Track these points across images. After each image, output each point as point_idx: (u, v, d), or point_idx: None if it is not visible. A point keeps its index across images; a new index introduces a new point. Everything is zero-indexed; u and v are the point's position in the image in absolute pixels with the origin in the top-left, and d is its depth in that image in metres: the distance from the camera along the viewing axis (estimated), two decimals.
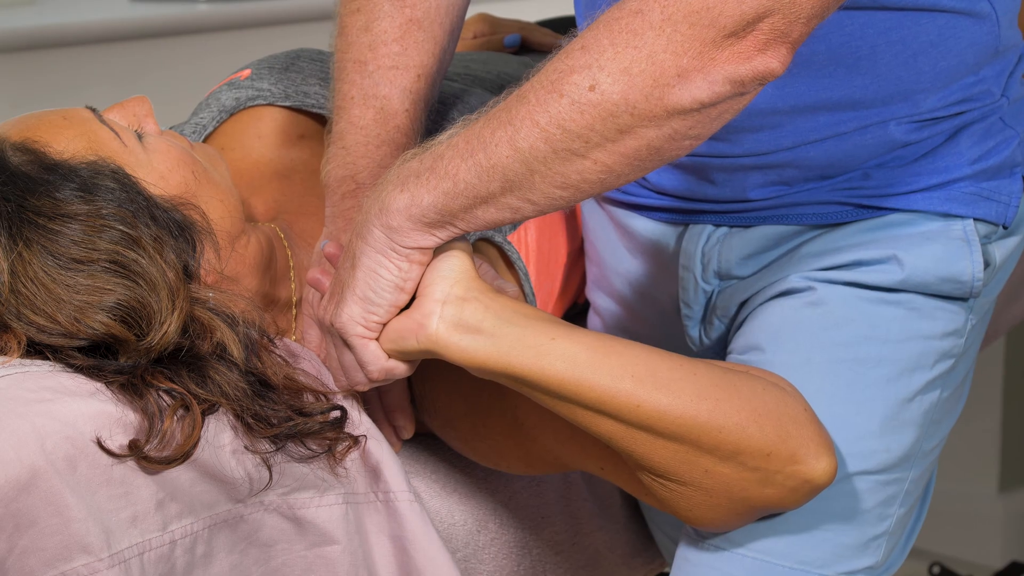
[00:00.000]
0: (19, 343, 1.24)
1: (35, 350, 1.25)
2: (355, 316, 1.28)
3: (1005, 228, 1.45)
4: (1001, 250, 1.45)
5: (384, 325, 1.29)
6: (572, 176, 1.18)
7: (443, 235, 1.25)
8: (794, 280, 1.44)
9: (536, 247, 1.64)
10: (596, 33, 1.15)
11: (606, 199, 1.61)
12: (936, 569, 2.72)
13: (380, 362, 1.30)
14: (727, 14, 1.10)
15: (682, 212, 1.52)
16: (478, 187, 1.20)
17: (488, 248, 1.57)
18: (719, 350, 1.55)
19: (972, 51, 1.39)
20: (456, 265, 1.27)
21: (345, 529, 1.34)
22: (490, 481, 1.57)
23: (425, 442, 1.51)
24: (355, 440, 1.34)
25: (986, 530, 2.88)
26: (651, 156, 1.17)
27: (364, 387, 1.33)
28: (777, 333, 1.42)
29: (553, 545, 1.65)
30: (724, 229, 1.49)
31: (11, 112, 1.41)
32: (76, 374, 1.24)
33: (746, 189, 1.46)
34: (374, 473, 1.35)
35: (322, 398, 1.33)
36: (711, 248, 1.50)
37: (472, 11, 1.84)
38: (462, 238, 1.29)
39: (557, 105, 1.15)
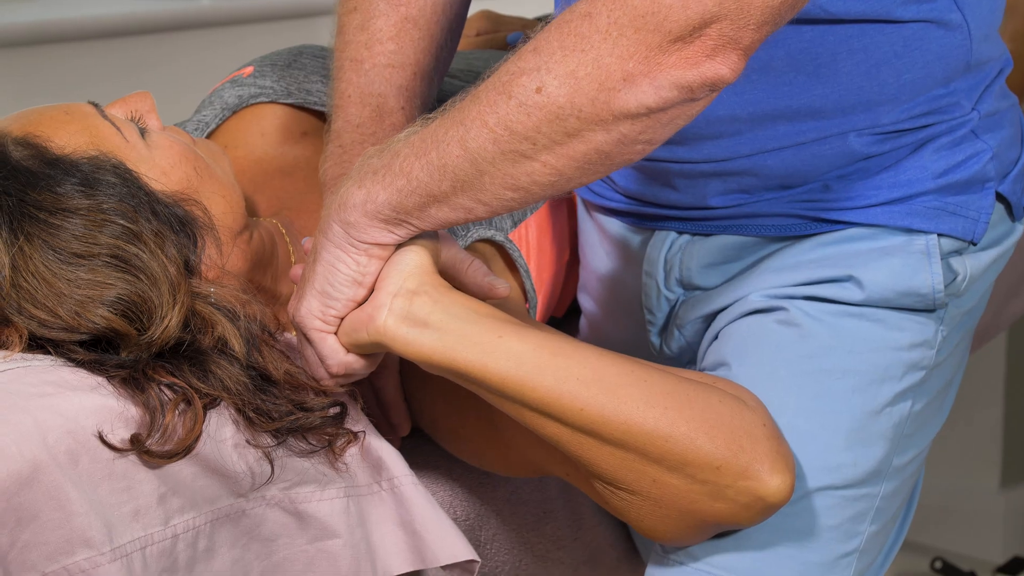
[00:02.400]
0: (20, 337, 1.25)
1: (36, 344, 1.26)
2: (313, 310, 1.29)
3: (974, 244, 1.42)
4: (974, 262, 1.42)
5: (343, 320, 1.29)
6: (521, 178, 1.18)
7: (401, 232, 1.25)
8: (757, 300, 1.42)
9: (537, 244, 1.64)
10: (547, 36, 1.14)
11: (586, 201, 1.61)
12: (938, 564, 2.72)
13: (338, 356, 1.30)
14: (673, 19, 1.09)
15: (648, 217, 1.51)
16: (430, 185, 1.20)
17: (487, 247, 1.57)
18: (682, 363, 1.54)
19: (940, 64, 1.36)
20: (412, 259, 1.27)
21: (347, 523, 1.34)
22: (491, 477, 1.57)
23: (425, 439, 1.51)
24: (354, 435, 1.34)
25: (988, 525, 2.88)
26: (601, 160, 1.17)
27: (327, 383, 1.32)
28: (743, 348, 1.41)
29: (555, 540, 1.65)
30: (687, 237, 1.48)
31: (13, 107, 1.41)
32: (77, 368, 1.24)
33: (706, 196, 1.45)
34: (376, 466, 1.36)
35: (322, 393, 1.34)
36: (673, 255, 1.49)
37: (475, 8, 1.84)
38: (431, 234, 1.29)
39: (505, 106, 1.15)
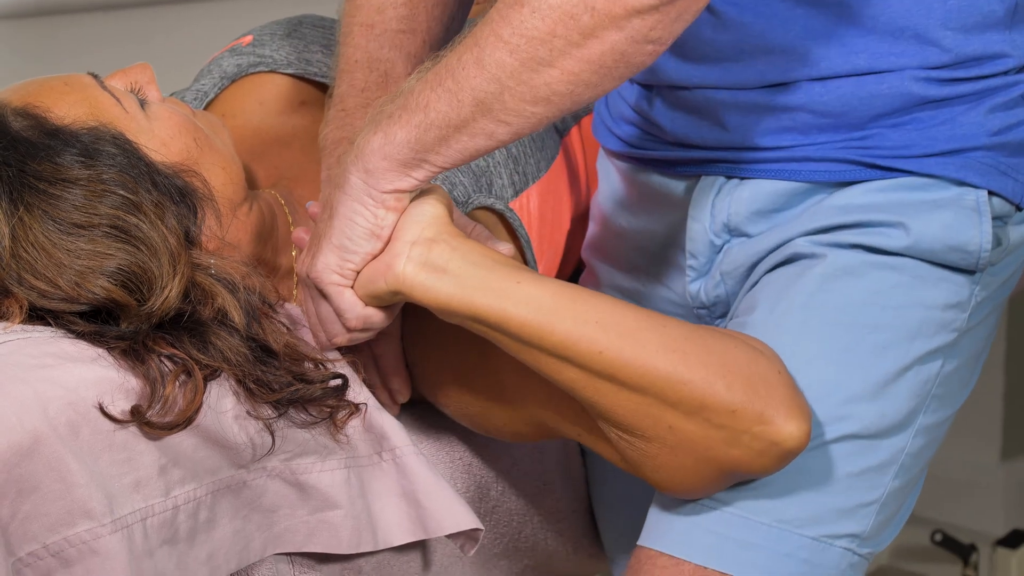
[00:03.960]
0: (21, 308, 1.25)
1: (36, 315, 1.26)
2: (331, 264, 1.29)
3: (1020, 209, 1.42)
4: (1016, 234, 1.43)
5: (359, 274, 1.30)
6: (541, 88, 1.19)
7: (419, 175, 1.26)
8: (801, 244, 1.42)
9: (539, 214, 1.64)
10: None
11: (619, 155, 1.61)
12: (938, 536, 2.72)
13: (356, 309, 1.31)
14: None
15: (695, 162, 1.51)
16: (449, 114, 1.21)
17: (488, 215, 1.57)
18: (712, 317, 1.54)
19: None
20: (429, 211, 1.28)
21: (348, 494, 1.34)
22: (492, 449, 1.57)
23: (426, 409, 1.51)
24: (356, 407, 1.34)
25: (988, 498, 2.89)
26: (617, 62, 1.18)
27: (343, 339, 1.33)
28: (778, 294, 1.41)
29: (555, 512, 1.65)
30: (735, 181, 1.48)
31: (13, 78, 1.41)
32: (78, 340, 1.24)
33: (757, 135, 1.44)
34: (377, 437, 1.36)
35: (323, 365, 1.34)
36: (721, 200, 1.49)
37: None
38: (440, 188, 1.30)
39: (518, 15, 1.17)
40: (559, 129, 1.74)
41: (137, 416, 1.22)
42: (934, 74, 1.38)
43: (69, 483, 1.18)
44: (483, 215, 1.56)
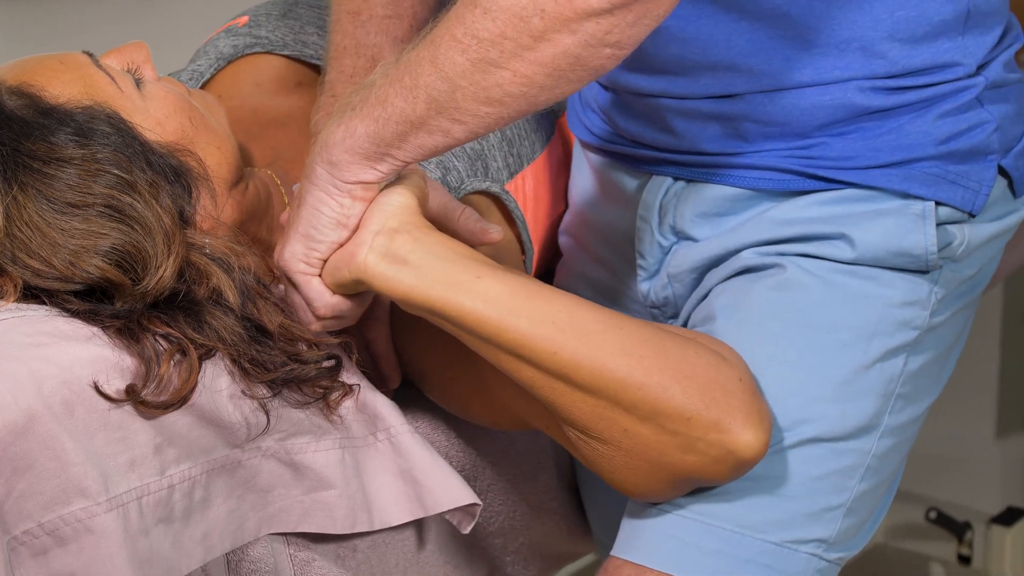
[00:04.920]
0: (15, 287, 1.25)
1: (31, 294, 1.26)
2: (297, 253, 1.29)
3: (972, 216, 1.40)
4: (973, 232, 1.41)
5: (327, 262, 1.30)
6: (493, 89, 1.18)
7: (384, 168, 1.25)
8: (749, 256, 1.42)
9: (534, 195, 1.64)
10: None
11: (583, 142, 1.61)
12: (933, 514, 2.72)
13: (324, 298, 1.30)
14: None
15: (646, 160, 1.51)
16: (406, 110, 1.20)
17: (482, 199, 1.57)
18: (665, 316, 1.54)
19: (934, 4, 1.34)
20: (396, 200, 1.27)
21: (342, 474, 1.34)
22: (486, 428, 1.57)
23: (420, 391, 1.52)
24: (349, 388, 1.34)
25: (983, 475, 2.89)
26: (572, 66, 1.17)
27: (315, 327, 1.33)
28: (734, 302, 1.40)
29: (549, 491, 1.65)
30: (682, 183, 1.48)
31: (8, 57, 1.41)
32: (73, 319, 1.24)
33: (703, 140, 1.44)
34: (371, 417, 1.36)
35: (316, 346, 1.34)
36: (668, 201, 1.49)
37: None
38: (419, 179, 1.29)
39: (471, 15, 1.16)
40: (554, 110, 1.74)
41: (132, 395, 1.22)
42: (880, 83, 1.37)
43: (64, 462, 1.18)
44: (478, 199, 1.56)
